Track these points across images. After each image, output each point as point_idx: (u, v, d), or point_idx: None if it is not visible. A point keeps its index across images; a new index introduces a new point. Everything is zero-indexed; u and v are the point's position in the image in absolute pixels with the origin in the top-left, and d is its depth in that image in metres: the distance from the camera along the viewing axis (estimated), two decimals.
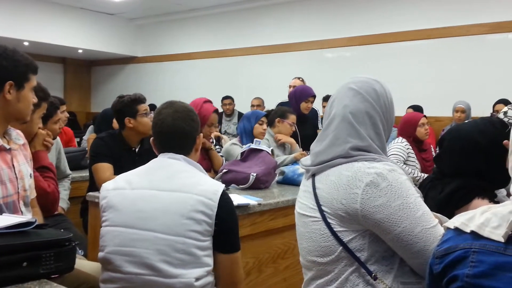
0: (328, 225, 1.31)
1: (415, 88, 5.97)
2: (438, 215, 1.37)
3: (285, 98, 5.05)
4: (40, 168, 2.01)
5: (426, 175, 3.53)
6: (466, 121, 1.67)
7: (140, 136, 2.81)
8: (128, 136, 2.78)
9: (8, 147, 1.61)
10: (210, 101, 3.05)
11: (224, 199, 1.54)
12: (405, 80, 6.03)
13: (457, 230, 0.98)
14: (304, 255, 1.42)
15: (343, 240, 1.29)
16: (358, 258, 1.28)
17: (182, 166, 1.59)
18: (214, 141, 3.65)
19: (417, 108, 5.22)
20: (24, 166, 1.70)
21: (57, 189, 2.02)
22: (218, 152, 3.34)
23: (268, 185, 2.78)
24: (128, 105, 2.74)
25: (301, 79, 4.90)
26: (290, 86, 4.79)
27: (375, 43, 6.38)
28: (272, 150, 3.01)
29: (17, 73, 1.59)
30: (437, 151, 1.66)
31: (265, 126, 3.48)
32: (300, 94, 4.09)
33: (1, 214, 1.51)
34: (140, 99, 2.79)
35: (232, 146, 3.35)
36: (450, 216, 1.37)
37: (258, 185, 2.69)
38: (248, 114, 3.58)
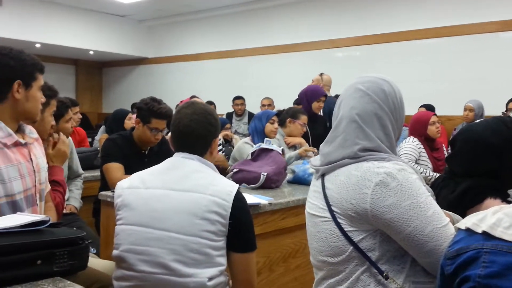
0: (338, 225, 1.31)
1: (427, 87, 5.92)
2: (450, 213, 1.36)
3: (295, 97, 5.06)
4: (52, 181, 2.04)
5: (438, 175, 3.50)
6: (478, 121, 1.65)
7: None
8: (138, 138, 2.80)
9: (23, 141, 1.64)
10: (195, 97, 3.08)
11: (238, 199, 1.54)
12: (416, 79, 5.99)
13: (468, 230, 0.98)
14: (314, 255, 1.42)
15: (354, 240, 1.29)
16: (369, 258, 1.28)
17: (196, 166, 1.60)
18: (223, 141, 3.67)
19: (429, 107, 5.18)
20: (41, 159, 1.73)
21: (63, 204, 2.04)
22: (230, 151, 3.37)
23: (279, 184, 2.78)
24: (147, 111, 2.69)
25: (322, 74, 4.92)
26: (312, 81, 4.85)
27: (385, 42, 6.34)
28: (282, 150, 3.01)
29: (24, 72, 1.61)
30: (449, 152, 1.65)
31: (276, 124, 3.49)
32: (312, 94, 4.09)
33: (18, 210, 1.53)
34: (160, 114, 2.68)
35: (244, 145, 3.37)
36: (462, 215, 1.36)
37: (269, 184, 2.70)
38: (259, 114, 3.60)
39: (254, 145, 3.39)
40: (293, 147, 3.61)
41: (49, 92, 2.06)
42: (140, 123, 2.72)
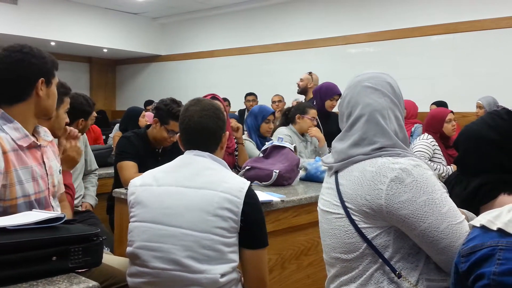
0: (352, 221, 1.31)
1: (441, 83, 5.86)
2: (465, 211, 1.35)
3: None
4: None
5: (451, 168, 3.47)
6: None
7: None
8: (154, 137, 2.81)
9: (39, 143, 1.66)
10: (214, 95, 3.08)
11: (250, 196, 1.55)
12: (430, 76, 5.92)
13: (483, 228, 0.97)
14: (328, 252, 1.42)
15: (368, 237, 1.29)
16: (382, 255, 1.28)
17: (208, 163, 1.61)
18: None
19: (441, 104, 5.12)
20: (54, 162, 1.75)
21: (72, 205, 2.07)
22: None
23: (291, 181, 2.78)
24: (166, 113, 2.70)
25: (311, 73, 4.90)
26: (301, 80, 4.83)
27: (398, 38, 6.28)
28: (294, 147, 3.00)
29: (45, 69, 1.64)
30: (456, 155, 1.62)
31: (271, 124, 3.53)
32: (326, 92, 4.06)
33: (31, 210, 1.55)
34: (178, 117, 2.69)
35: (245, 142, 3.40)
36: (475, 212, 1.34)
37: (281, 182, 2.69)
38: (255, 111, 3.58)
39: (252, 141, 3.43)
40: (305, 142, 3.60)
41: (62, 89, 2.08)
42: (158, 123, 2.74)
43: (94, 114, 3.57)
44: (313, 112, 3.59)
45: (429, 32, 6.04)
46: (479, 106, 4.99)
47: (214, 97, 3.07)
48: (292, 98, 6.29)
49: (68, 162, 2.13)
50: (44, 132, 1.76)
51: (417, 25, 6.11)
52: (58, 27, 7.85)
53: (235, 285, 1.56)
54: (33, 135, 1.66)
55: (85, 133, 3.02)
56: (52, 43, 8.09)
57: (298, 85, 4.89)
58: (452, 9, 5.84)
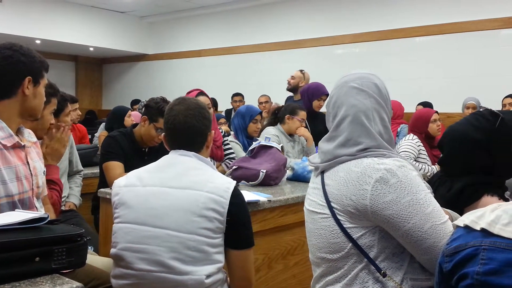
0: (337, 221, 1.31)
1: (426, 84, 5.92)
2: (449, 211, 1.36)
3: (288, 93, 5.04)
4: (48, 180, 2.03)
5: (435, 168, 3.51)
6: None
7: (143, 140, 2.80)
8: (141, 136, 2.79)
9: (23, 143, 1.63)
10: (200, 91, 3.08)
11: (235, 196, 1.54)
12: (416, 76, 5.98)
13: (467, 228, 0.98)
14: (313, 251, 1.42)
15: (353, 237, 1.29)
16: (367, 255, 1.28)
17: (193, 163, 1.60)
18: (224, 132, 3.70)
19: (427, 105, 5.17)
20: (38, 163, 1.72)
21: (60, 202, 2.04)
22: (228, 144, 3.37)
23: (278, 181, 2.78)
24: (156, 110, 2.69)
25: (303, 71, 4.88)
26: (293, 77, 4.80)
27: (384, 39, 6.33)
28: (282, 147, 3.01)
29: (34, 68, 1.62)
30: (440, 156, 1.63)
31: (259, 124, 3.53)
32: (313, 92, 4.08)
33: (14, 210, 1.53)
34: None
35: (231, 144, 3.40)
36: (459, 213, 1.36)
37: (268, 181, 2.69)
38: (242, 111, 3.57)
39: (238, 143, 3.43)
40: (292, 142, 3.61)
41: (50, 90, 2.06)
42: (147, 120, 2.73)
43: (78, 112, 3.51)
44: (302, 114, 3.61)
45: (414, 33, 6.10)
46: (472, 107, 4.98)
47: (202, 92, 3.06)
48: (279, 98, 6.30)
49: (52, 154, 2.11)
50: (28, 134, 1.74)
51: (402, 26, 6.17)
52: (43, 25, 7.75)
53: (220, 286, 1.56)
54: (16, 135, 1.64)
55: (71, 134, 2.98)
56: (37, 41, 7.98)
57: (289, 82, 4.87)
58: (436, 11, 5.90)
